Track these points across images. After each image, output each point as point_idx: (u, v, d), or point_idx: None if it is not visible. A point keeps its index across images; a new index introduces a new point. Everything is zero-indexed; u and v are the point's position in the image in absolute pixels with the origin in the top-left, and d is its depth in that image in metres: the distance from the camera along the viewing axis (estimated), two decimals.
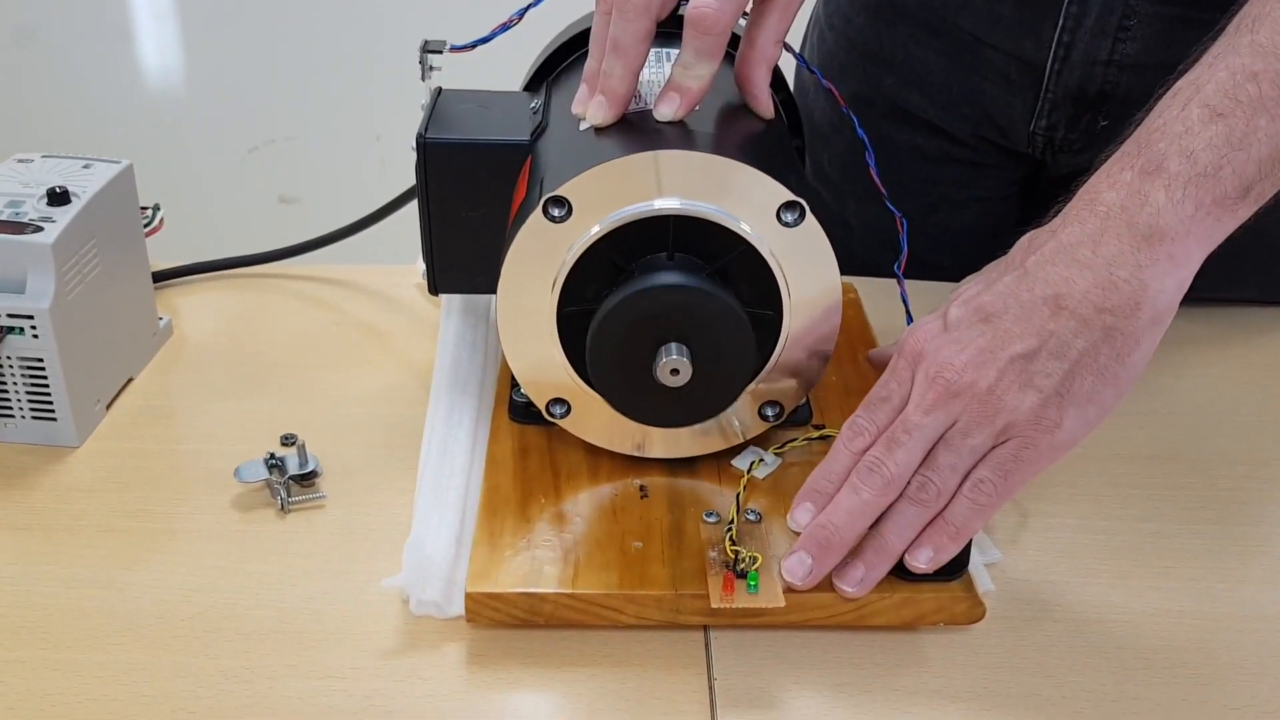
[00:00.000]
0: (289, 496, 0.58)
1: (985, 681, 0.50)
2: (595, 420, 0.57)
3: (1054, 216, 0.51)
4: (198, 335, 0.72)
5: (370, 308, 0.75)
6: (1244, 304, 0.78)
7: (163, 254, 0.73)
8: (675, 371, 0.51)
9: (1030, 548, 0.58)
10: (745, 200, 0.52)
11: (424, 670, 0.50)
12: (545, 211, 0.51)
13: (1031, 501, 0.60)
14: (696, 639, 0.52)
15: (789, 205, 0.52)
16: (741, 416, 0.57)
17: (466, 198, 0.60)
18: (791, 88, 0.68)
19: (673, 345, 0.51)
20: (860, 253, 0.72)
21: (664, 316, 0.51)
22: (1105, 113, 0.74)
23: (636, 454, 0.58)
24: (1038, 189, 0.84)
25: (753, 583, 0.50)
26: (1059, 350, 0.48)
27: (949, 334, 0.50)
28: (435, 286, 0.62)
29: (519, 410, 0.59)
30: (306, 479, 0.59)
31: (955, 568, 0.51)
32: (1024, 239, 0.52)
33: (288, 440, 0.61)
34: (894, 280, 0.61)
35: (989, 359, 0.49)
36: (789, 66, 0.66)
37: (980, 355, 0.49)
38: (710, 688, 0.50)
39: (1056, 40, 0.73)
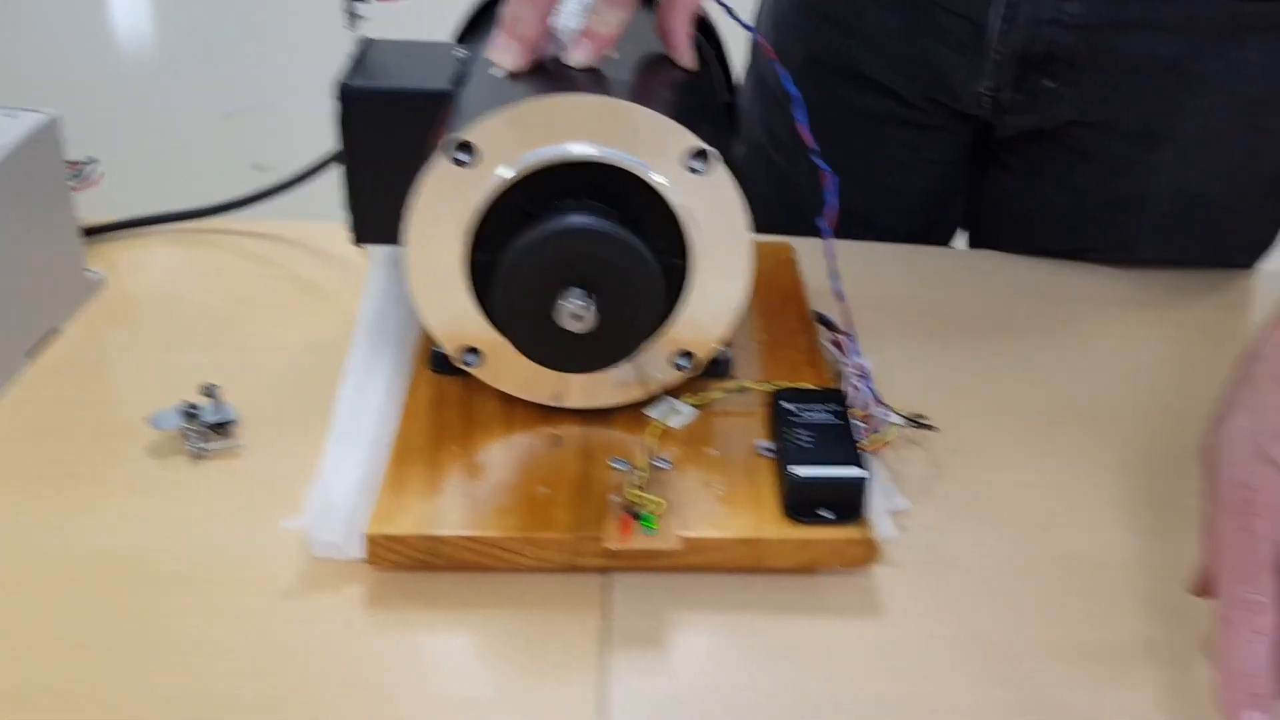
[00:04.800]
0: (204, 444, 0.58)
1: (882, 625, 0.51)
2: (511, 370, 0.57)
3: None
4: (132, 288, 0.72)
5: (307, 262, 0.75)
6: (1178, 266, 0.78)
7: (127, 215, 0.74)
8: (577, 316, 0.51)
9: (940, 497, 0.58)
10: (654, 147, 0.52)
11: (324, 612, 0.50)
12: (451, 156, 0.51)
13: (945, 453, 0.60)
14: (598, 583, 0.52)
15: (698, 153, 0.52)
16: (656, 367, 0.57)
17: (387, 147, 0.60)
18: (749, 51, 0.68)
19: (574, 289, 0.51)
20: (810, 214, 0.72)
21: (569, 261, 0.51)
22: (1051, 74, 0.74)
23: (553, 404, 0.58)
24: (986, 152, 0.84)
25: (649, 525, 0.50)
26: None
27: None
28: (357, 236, 0.62)
29: (439, 361, 0.60)
30: (222, 427, 0.59)
31: (852, 512, 0.52)
32: (1267, 347, 0.49)
33: (208, 390, 0.61)
34: (845, 243, 0.61)
35: None
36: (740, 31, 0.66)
37: None
38: (604, 628, 0.50)
39: (1004, 0, 0.73)
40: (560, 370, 0.55)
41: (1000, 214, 0.84)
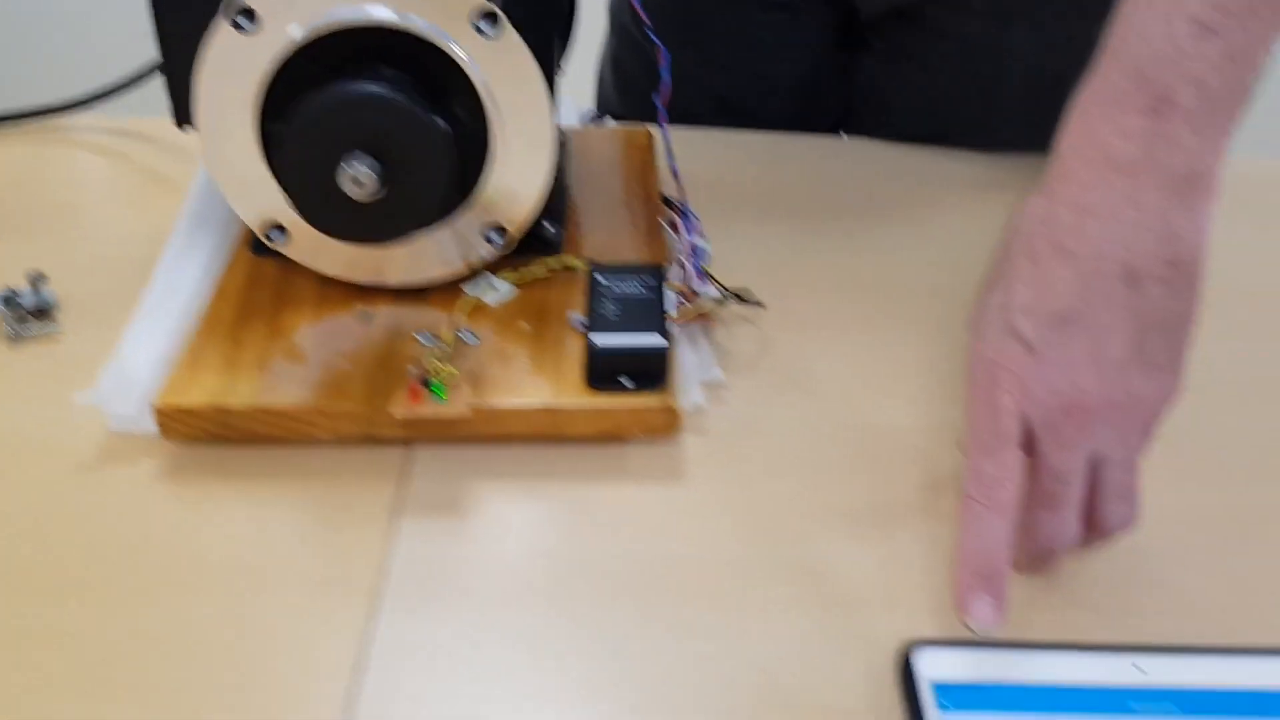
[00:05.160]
0: (20, 328, 0.58)
1: (682, 491, 0.51)
2: (328, 250, 0.56)
3: (1040, 187, 0.47)
4: None
5: (156, 157, 0.74)
6: (1041, 151, 0.77)
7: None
8: (358, 183, 0.50)
9: (763, 370, 0.58)
10: (444, 10, 0.51)
11: (117, 484, 0.50)
12: (232, 21, 0.50)
13: (776, 330, 0.60)
14: (400, 456, 0.52)
15: (486, 15, 0.51)
16: (469, 241, 0.56)
17: (197, 22, 0.58)
18: None
19: (356, 155, 0.50)
20: (679, 104, 0.71)
21: (350, 128, 0.50)
22: None
23: (367, 282, 0.57)
24: (853, 37, 0.82)
25: (439, 393, 0.50)
26: (1160, 322, 0.44)
27: (1041, 355, 0.44)
28: (178, 119, 0.61)
29: (258, 242, 0.59)
30: (42, 313, 0.59)
31: (653, 381, 0.52)
32: (1024, 221, 0.46)
33: (34, 278, 0.60)
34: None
35: (1103, 363, 0.43)
36: None
37: (1093, 364, 0.43)
38: (399, 498, 0.50)
39: None
40: (349, 241, 0.54)
41: (869, 101, 0.83)
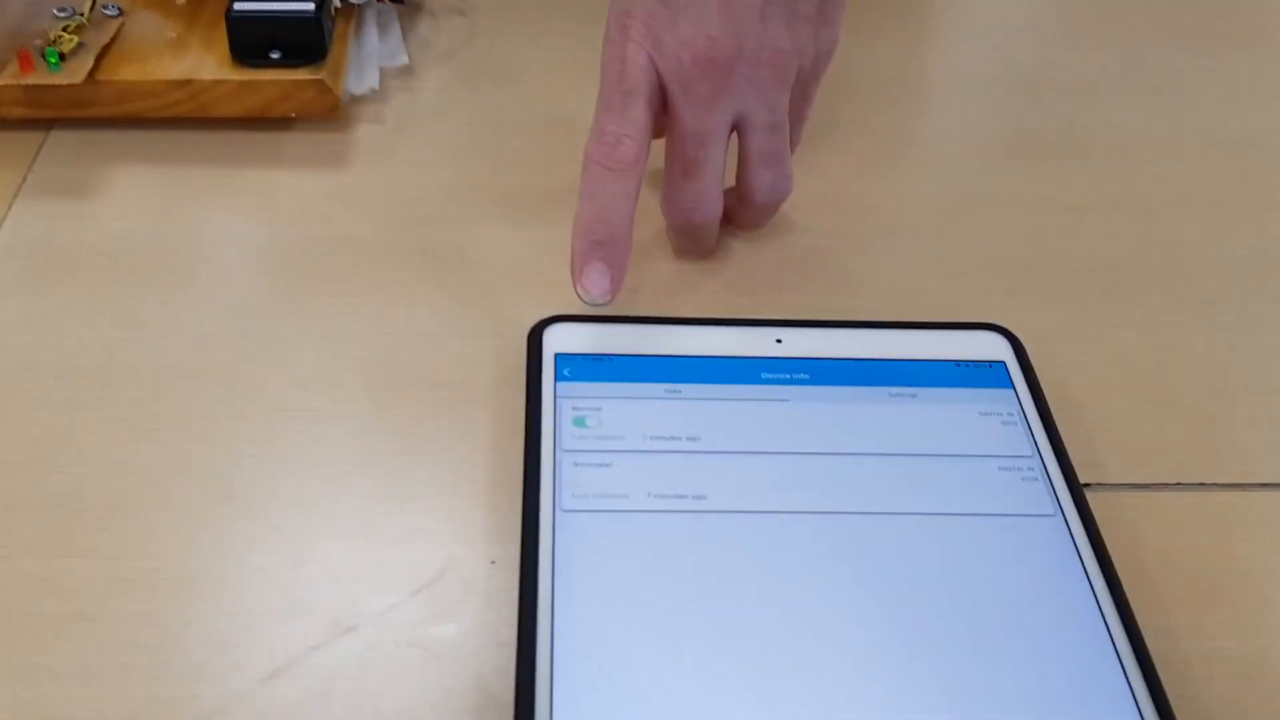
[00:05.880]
0: None
1: (343, 177, 0.47)
2: None
3: None
4: None
5: None
6: None
7: None
8: None
9: (461, 61, 0.53)
10: None
11: None
12: None
13: (485, 22, 0.55)
14: (33, 141, 0.47)
15: None
16: None
17: None
18: None
19: None
20: None
21: None
22: None
23: None
24: None
25: (53, 61, 0.45)
26: None
27: (674, 3, 0.38)
28: None
29: None
30: None
31: (306, 53, 0.47)
32: None
33: None
34: None
35: (739, 11, 0.38)
36: None
37: (727, 12, 0.38)
38: (22, 179, 0.45)
39: None
40: None
41: None
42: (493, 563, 0.33)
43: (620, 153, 0.38)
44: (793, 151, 0.43)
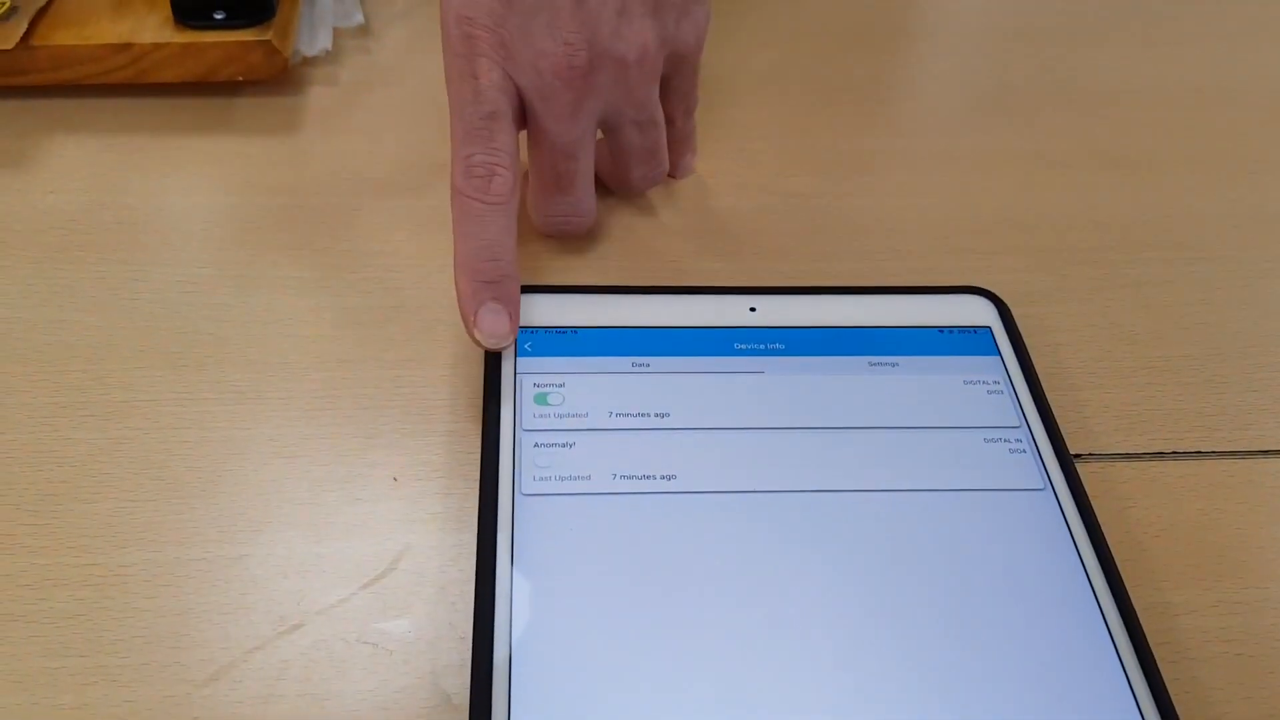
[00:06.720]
0: None
1: (293, 142, 0.44)
2: None
3: None
4: None
5: None
6: None
7: None
8: None
9: (417, 19, 0.51)
10: None
11: None
12: None
13: None
14: None
15: None
16: None
17: None
18: None
19: None
20: None
21: None
22: None
23: None
24: None
25: None
26: None
27: (517, 4, 0.35)
28: None
29: None
30: None
31: (252, 12, 0.44)
32: None
33: None
34: None
35: (593, 8, 0.35)
36: None
37: (581, 12, 0.35)
38: None
39: None
40: None
41: None
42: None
43: (495, 186, 0.35)
44: (687, 141, 0.42)
